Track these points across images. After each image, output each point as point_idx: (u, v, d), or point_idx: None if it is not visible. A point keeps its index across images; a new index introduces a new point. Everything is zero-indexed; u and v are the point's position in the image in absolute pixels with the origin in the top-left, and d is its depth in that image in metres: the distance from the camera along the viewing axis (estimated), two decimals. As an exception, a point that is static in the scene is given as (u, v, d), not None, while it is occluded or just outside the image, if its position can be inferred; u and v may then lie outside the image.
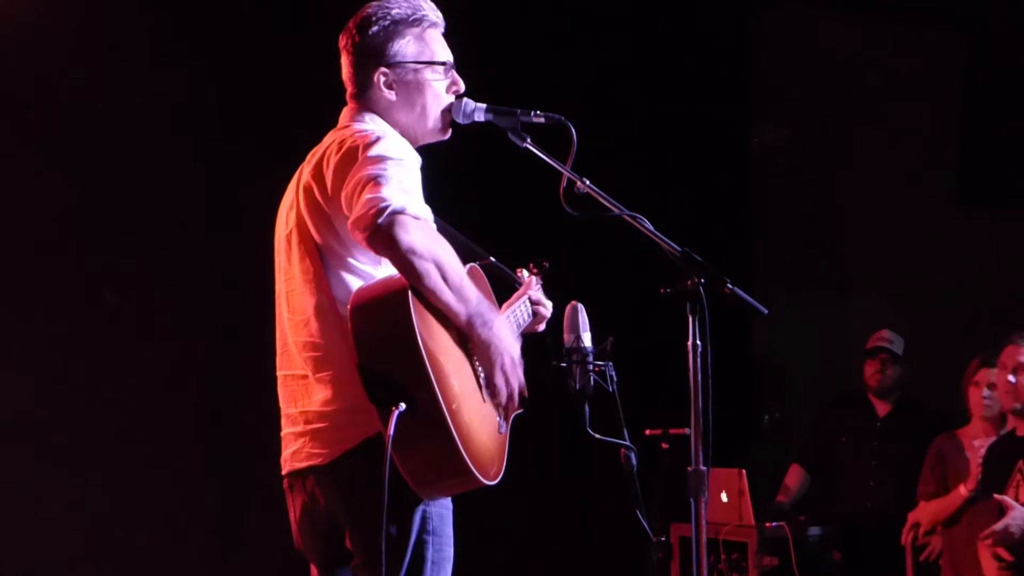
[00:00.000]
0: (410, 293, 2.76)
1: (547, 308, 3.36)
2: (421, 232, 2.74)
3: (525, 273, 3.42)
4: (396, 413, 2.70)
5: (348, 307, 2.82)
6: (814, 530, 6.23)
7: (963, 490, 5.49)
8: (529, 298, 3.32)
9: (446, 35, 3.15)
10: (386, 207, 2.71)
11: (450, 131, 3.14)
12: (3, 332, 5.37)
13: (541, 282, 3.42)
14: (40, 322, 5.47)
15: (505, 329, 2.94)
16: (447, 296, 2.79)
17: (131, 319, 5.66)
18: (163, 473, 5.62)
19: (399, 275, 2.79)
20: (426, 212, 2.80)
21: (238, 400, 5.74)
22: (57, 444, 5.44)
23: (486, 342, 2.87)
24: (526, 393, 2.99)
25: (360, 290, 2.86)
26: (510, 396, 2.94)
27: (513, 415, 3.08)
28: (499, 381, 2.90)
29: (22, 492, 5.34)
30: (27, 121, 5.49)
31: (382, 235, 2.71)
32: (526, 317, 3.30)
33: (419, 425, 2.72)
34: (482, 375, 2.96)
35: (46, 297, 5.48)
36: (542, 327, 3.34)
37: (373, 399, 2.74)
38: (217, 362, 5.85)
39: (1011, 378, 5.25)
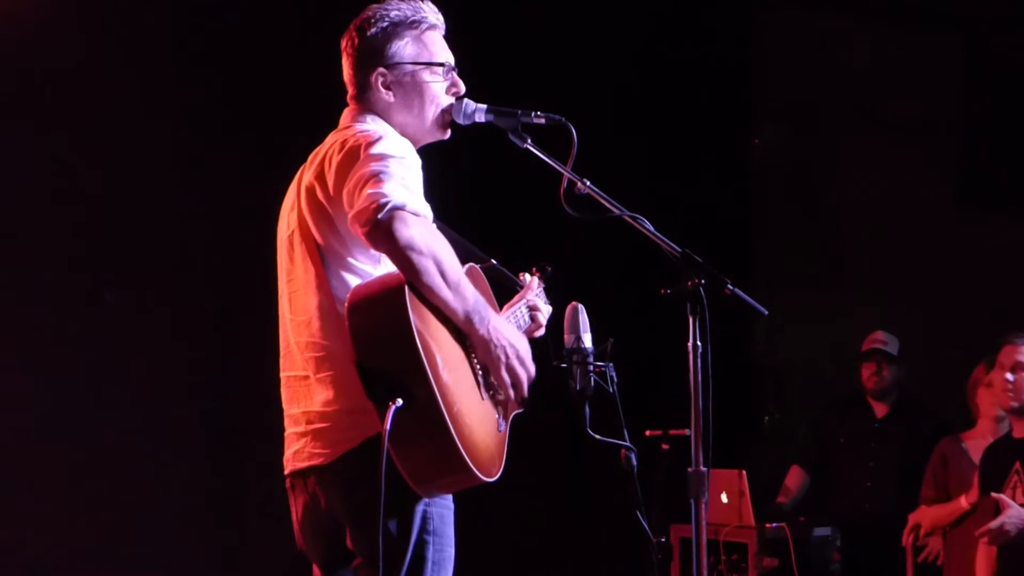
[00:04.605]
0: (407, 290, 2.77)
1: (544, 313, 3.37)
2: (421, 228, 2.75)
3: (527, 277, 3.43)
4: (393, 408, 2.71)
5: (345, 305, 2.83)
6: (820, 531, 6.22)
7: (964, 503, 5.48)
8: (527, 303, 3.33)
9: (447, 36, 3.16)
10: (387, 202, 2.72)
11: (449, 132, 3.14)
12: (3, 332, 5.37)
13: (543, 286, 3.43)
14: (40, 322, 5.47)
15: (504, 325, 2.95)
16: (445, 293, 2.80)
17: (131, 319, 5.66)
18: (163, 473, 5.62)
19: (396, 273, 2.80)
20: (426, 209, 2.81)
21: (239, 400, 5.74)
22: (57, 444, 5.44)
23: (484, 338, 2.89)
24: (526, 393, 3.00)
25: (357, 288, 2.87)
26: (517, 388, 2.94)
27: (513, 415, 3.09)
28: (502, 376, 2.91)
29: (22, 492, 5.34)
30: (27, 121, 5.49)
31: (382, 230, 2.72)
32: (524, 321, 3.31)
33: (417, 422, 2.73)
34: (480, 373, 2.97)
35: (46, 297, 5.48)
36: (540, 332, 3.35)
37: (371, 395, 2.75)
38: (218, 363, 5.85)
39: (1009, 377, 5.25)
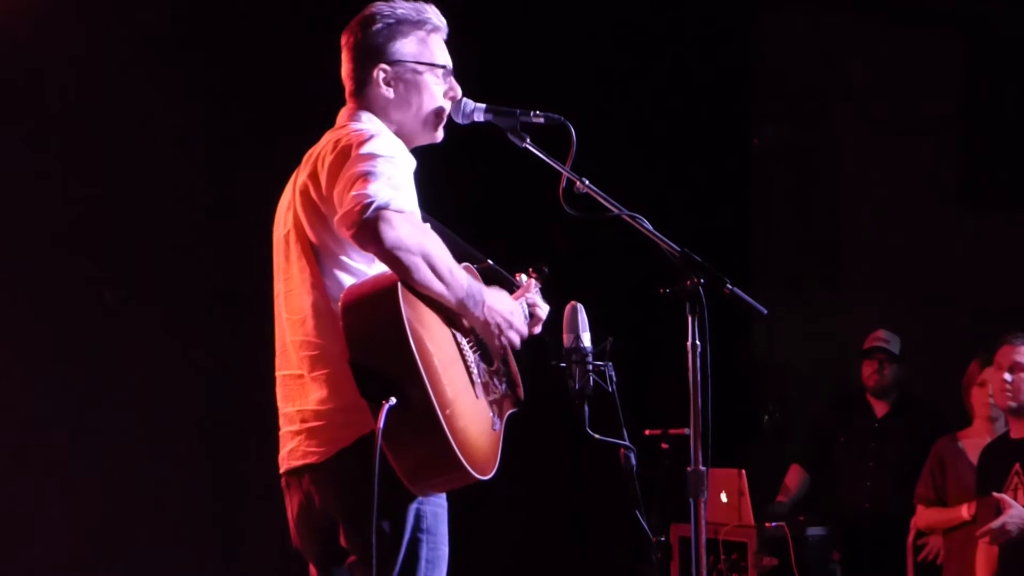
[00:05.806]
0: (400, 288, 2.77)
1: (543, 310, 3.38)
2: (407, 226, 2.76)
3: (524, 277, 3.43)
4: (386, 407, 2.71)
5: (339, 304, 2.83)
6: (820, 530, 6.22)
7: (965, 513, 5.47)
8: (526, 299, 3.34)
9: (447, 37, 3.16)
10: (371, 203, 2.73)
11: (443, 133, 3.15)
12: (3, 332, 5.37)
13: (540, 286, 3.43)
14: (40, 322, 5.47)
15: (498, 299, 3.00)
16: (438, 287, 2.82)
17: (130, 319, 5.66)
18: (162, 473, 5.62)
19: (390, 272, 2.81)
20: (412, 206, 2.82)
21: (237, 400, 5.74)
22: (57, 444, 5.44)
23: (481, 319, 2.94)
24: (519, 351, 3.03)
25: (351, 287, 2.88)
26: (514, 349, 3.02)
27: (508, 414, 3.09)
28: (497, 346, 3.00)
29: (22, 492, 5.34)
30: (26, 121, 5.49)
31: (368, 231, 2.73)
32: (524, 317, 3.31)
33: (411, 421, 2.74)
34: (475, 371, 2.98)
35: (46, 297, 5.48)
36: (538, 329, 3.36)
37: (364, 394, 2.76)
38: (216, 362, 5.85)
39: (1007, 376, 5.24)
